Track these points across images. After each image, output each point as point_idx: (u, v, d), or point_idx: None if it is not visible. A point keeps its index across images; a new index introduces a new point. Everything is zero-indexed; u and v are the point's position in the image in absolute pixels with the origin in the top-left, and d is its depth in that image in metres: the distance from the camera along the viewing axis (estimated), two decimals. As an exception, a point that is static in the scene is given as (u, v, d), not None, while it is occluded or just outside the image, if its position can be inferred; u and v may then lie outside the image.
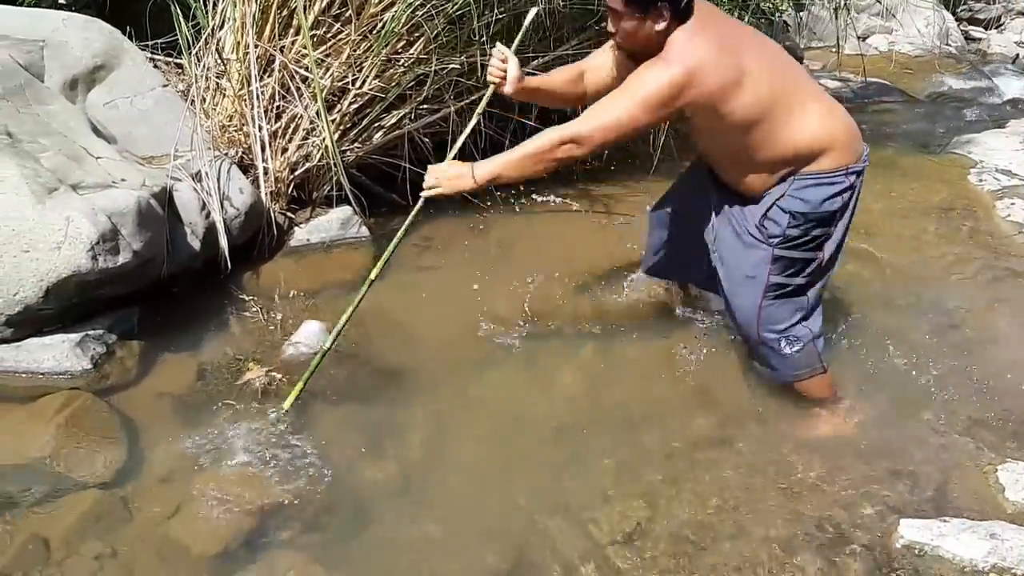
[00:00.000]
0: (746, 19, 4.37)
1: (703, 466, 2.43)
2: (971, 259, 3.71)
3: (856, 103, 5.94)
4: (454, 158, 2.61)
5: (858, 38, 6.52)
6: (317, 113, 3.41)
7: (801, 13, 6.12)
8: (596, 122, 2.36)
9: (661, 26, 2.28)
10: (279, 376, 2.63)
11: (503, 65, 2.59)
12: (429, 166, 2.58)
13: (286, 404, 2.49)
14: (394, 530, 2.19)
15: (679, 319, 3.08)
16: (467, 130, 2.68)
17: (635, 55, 2.39)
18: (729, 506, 2.28)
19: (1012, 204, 4.26)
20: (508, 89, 2.61)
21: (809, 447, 2.50)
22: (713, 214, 2.64)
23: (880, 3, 7.55)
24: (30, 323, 2.64)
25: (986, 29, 9.83)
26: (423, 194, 2.55)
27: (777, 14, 5.70)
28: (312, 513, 2.18)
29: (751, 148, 2.40)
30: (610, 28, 2.40)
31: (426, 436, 2.52)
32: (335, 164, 3.41)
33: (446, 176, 2.50)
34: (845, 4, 5.21)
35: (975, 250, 3.80)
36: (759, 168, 2.44)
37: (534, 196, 3.91)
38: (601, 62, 2.63)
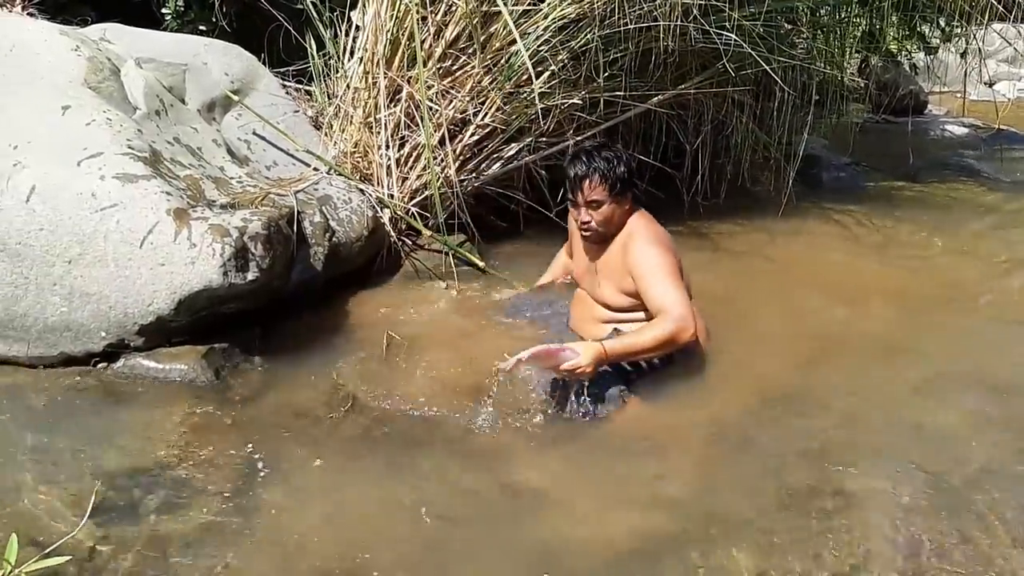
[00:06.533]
0: (875, 61, 4.27)
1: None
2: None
3: (985, 151, 5.72)
4: None
5: (985, 83, 6.28)
6: (437, 143, 3.47)
7: (928, 56, 5.93)
8: (675, 304, 2.66)
9: (627, 207, 2.86)
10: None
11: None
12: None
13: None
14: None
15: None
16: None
17: (595, 240, 2.90)
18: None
19: None
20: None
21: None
22: None
23: (1012, 46, 7.25)
24: (160, 333, 2.76)
25: (1123, 78, 9.37)
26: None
27: (905, 56, 5.56)
28: (429, 536, 2.17)
29: None
30: (584, 219, 2.84)
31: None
32: (434, 195, 3.48)
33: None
34: (979, 48, 5.02)
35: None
36: None
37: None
38: (565, 259, 3.23)
